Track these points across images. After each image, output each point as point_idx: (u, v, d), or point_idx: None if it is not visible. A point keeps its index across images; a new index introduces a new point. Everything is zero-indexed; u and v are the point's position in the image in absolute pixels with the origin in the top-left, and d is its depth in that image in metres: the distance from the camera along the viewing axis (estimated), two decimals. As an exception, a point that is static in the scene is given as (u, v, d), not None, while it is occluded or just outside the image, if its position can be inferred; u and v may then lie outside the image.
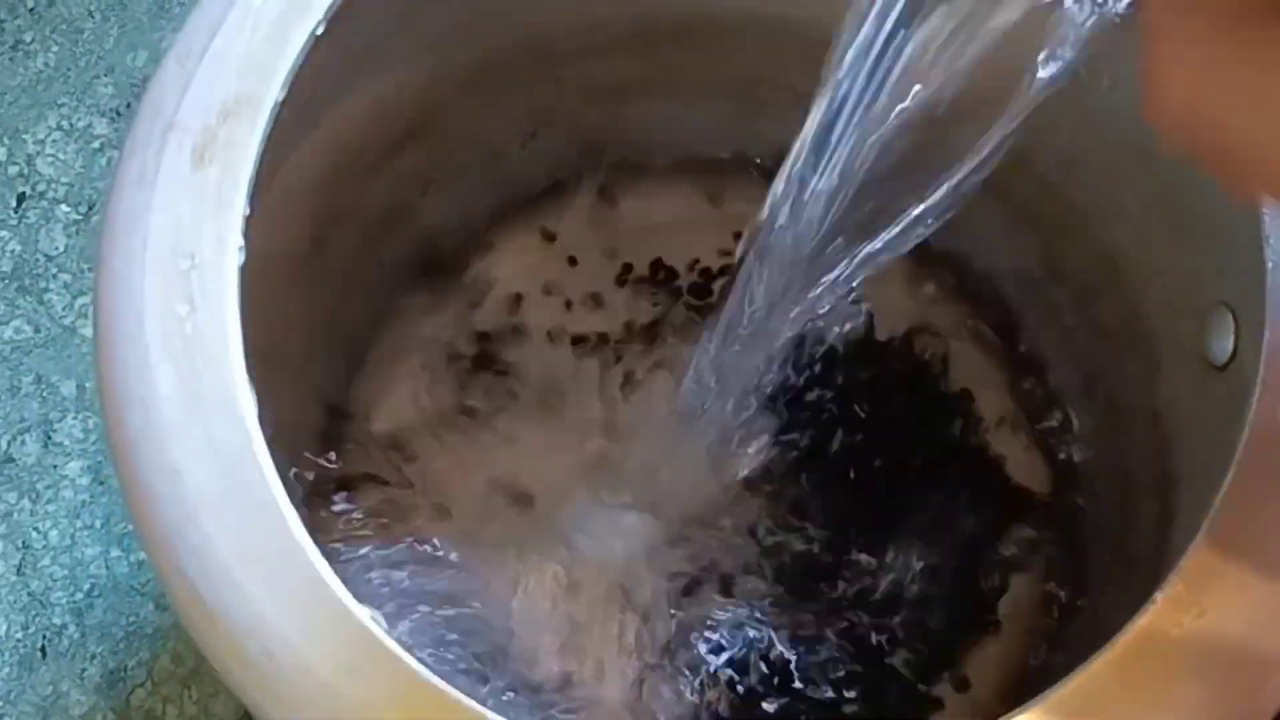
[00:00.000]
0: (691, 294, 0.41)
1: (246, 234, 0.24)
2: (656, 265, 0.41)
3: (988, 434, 0.39)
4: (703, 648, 0.36)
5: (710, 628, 0.36)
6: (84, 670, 0.39)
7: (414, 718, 0.20)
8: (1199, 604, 0.21)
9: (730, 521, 0.37)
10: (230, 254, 0.23)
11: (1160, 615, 0.21)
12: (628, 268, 0.41)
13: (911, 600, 0.37)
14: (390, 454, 0.37)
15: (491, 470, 0.37)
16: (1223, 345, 0.28)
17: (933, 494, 0.38)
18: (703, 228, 0.42)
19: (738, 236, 0.39)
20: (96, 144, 0.46)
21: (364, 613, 0.20)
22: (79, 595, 0.40)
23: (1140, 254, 0.34)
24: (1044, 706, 0.21)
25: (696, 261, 0.41)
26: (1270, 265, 0.24)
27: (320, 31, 0.26)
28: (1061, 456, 0.38)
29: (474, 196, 0.40)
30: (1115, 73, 0.31)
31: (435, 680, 0.20)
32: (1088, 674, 0.20)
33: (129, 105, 0.47)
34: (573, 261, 0.41)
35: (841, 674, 0.35)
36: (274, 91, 0.25)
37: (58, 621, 0.39)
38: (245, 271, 0.23)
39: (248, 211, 0.24)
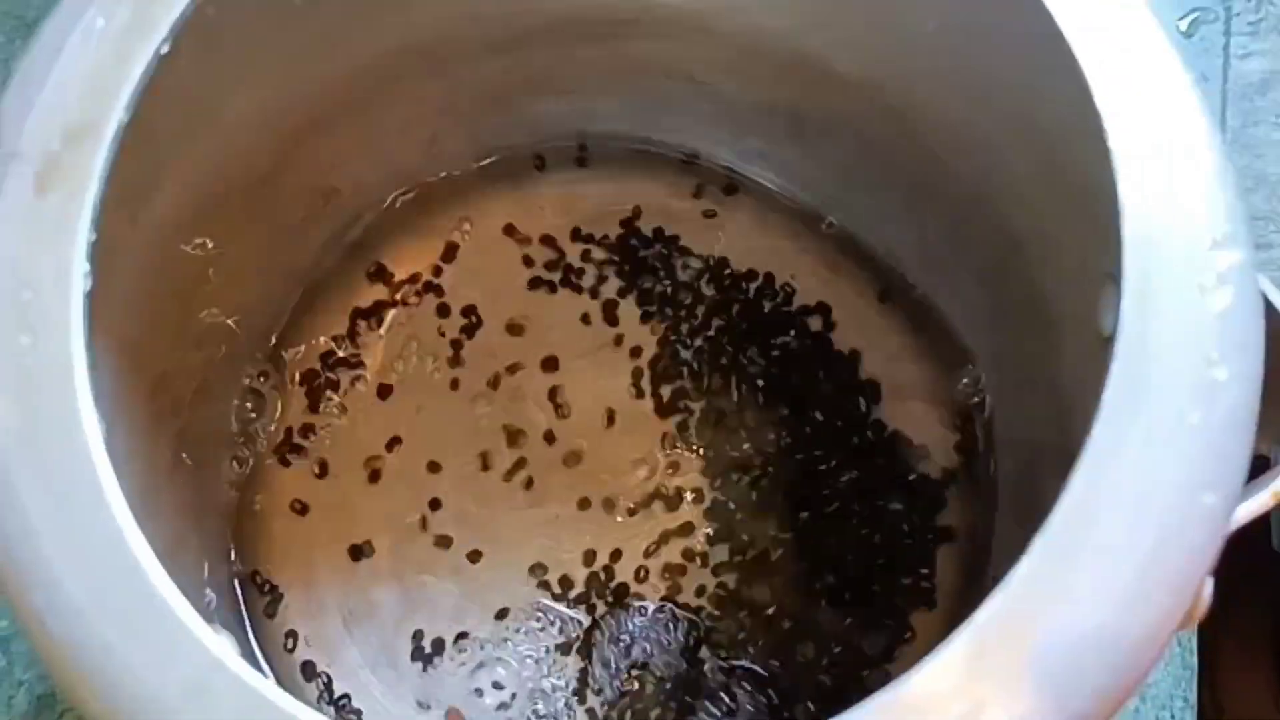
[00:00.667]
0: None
1: (93, 260, 0.23)
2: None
3: (898, 415, 0.39)
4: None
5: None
6: (11, 698, 0.39)
7: (264, 741, 0.20)
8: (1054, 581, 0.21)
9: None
10: (75, 282, 0.23)
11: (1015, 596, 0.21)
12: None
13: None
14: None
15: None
16: (1109, 316, 0.28)
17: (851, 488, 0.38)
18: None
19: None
20: None
21: (213, 636, 0.20)
22: (4, 623, 0.40)
23: (1036, 231, 0.34)
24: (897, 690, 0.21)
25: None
26: (1126, 230, 0.24)
27: (165, 50, 0.25)
28: (973, 433, 0.39)
29: (376, 200, 0.39)
30: (1008, 48, 0.31)
31: (286, 701, 0.20)
32: (937, 663, 0.20)
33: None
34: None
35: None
36: (117, 114, 0.24)
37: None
38: (92, 299, 0.23)
39: (93, 238, 0.23)
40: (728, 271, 0.41)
